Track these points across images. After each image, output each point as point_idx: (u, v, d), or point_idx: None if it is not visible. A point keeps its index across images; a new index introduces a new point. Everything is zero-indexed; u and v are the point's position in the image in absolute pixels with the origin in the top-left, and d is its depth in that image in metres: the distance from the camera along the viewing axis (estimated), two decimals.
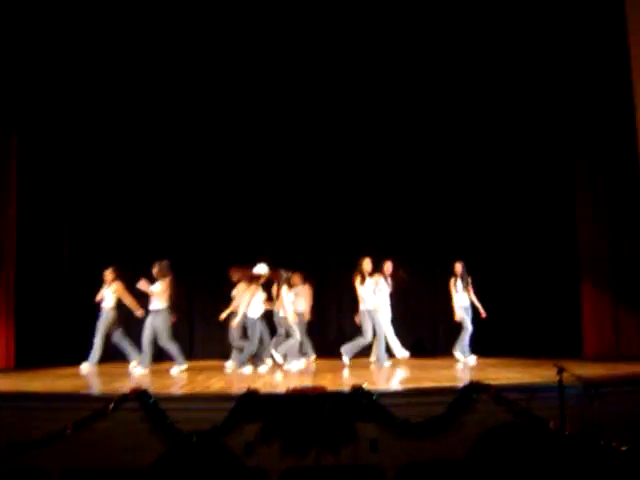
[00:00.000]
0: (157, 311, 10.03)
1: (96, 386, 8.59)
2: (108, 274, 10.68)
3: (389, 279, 11.12)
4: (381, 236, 12.63)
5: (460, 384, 7.07)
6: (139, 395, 6.78)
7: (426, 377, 8.69)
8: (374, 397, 6.73)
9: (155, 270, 10.16)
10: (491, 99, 12.32)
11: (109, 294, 10.63)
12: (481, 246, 11.90)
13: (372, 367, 10.38)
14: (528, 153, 12.14)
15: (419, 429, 6.59)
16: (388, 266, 11.17)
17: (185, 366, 10.05)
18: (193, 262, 12.34)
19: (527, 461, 3.79)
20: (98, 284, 10.76)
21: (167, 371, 10.09)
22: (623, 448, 6.21)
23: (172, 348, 10.09)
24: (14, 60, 11.14)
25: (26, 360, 11.12)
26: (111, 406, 6.73)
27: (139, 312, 10.52)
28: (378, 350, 10.67)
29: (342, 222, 12.98)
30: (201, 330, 12.72)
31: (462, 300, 10.94)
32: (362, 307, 10.54)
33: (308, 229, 12.93)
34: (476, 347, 11.09)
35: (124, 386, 7.77)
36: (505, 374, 8.79)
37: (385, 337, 10.82)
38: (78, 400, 7.17)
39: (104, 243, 12.39)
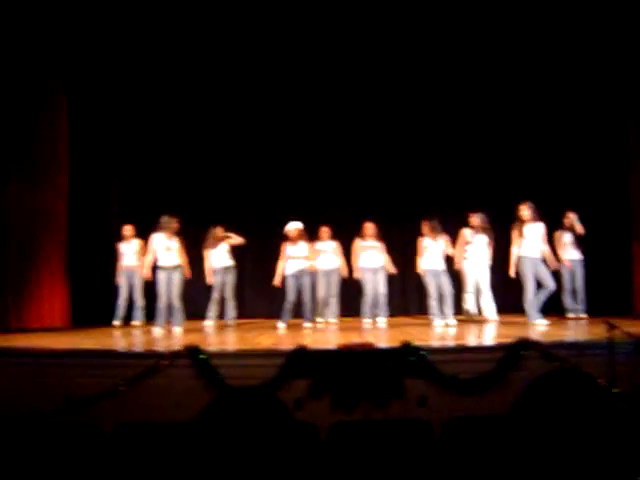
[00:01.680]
0: (179, 266, 10.30)
1: (149, 343, 8.73)
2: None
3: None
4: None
5: (509, 340, 7.06)
6: (191, 352, 6.88)
7: (476, 334, 8.70)
8: (423, 353, 6.77)
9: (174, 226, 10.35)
10: (541, 48, 11.99)
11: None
12: (533, 197, 11.60)
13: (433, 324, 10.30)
14: (579, 102, 11.92)
15: (467, 385, 6.60)
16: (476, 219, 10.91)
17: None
18: (242, 222, 12.40)
19: (573, 415, 3.79)
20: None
21: (221, 328, 10.47)
22: None
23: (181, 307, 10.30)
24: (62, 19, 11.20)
25: (81, 319, 11.39)
26: (164, 363, 6.86)
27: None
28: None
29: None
30: (251, 289, 12.86)
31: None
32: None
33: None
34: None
35: (177, 343, 7.90)
36: (555, 331, 8.74)
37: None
38: (131, 357, 7.32)
39: (153, 198, 12.51)
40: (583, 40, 11.53)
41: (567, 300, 10.74)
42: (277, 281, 10.70)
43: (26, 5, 10.67)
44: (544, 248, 10.08)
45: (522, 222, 10.06)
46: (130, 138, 12.81)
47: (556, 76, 12.04)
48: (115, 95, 12.48)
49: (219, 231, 11.07)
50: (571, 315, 10.63)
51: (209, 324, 10.94)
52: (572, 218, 10.84)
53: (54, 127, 11.30)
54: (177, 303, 10.19)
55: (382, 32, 12.09)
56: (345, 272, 11.19)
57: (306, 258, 10.55)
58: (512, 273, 10.14)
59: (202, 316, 11.30)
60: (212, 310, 11.10)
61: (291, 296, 10.51)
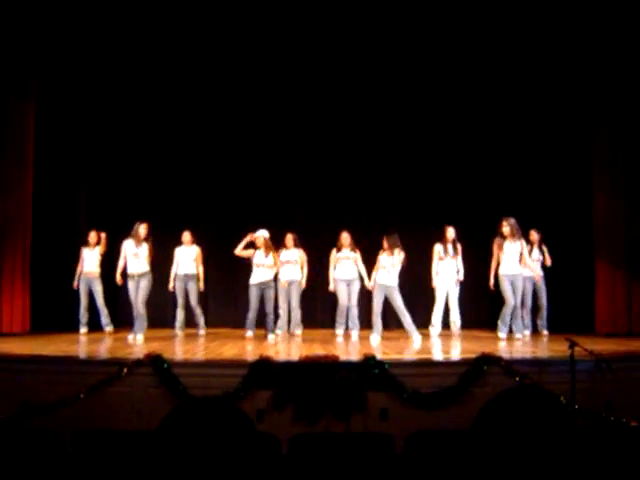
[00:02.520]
0: (147, 273, 10.19)
1: (111, 351, 8.65)
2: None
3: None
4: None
5: (472, 356, 7.10)
6: (153, 360, 6.85)
7: (438, 348, 8.74)
8: (386, 367, 6.78)
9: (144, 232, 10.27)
10: (509, 66, 12.08)
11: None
12: (495, 215, 11.65)
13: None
14: (546, 121, 12.00)
15: (429, 399, 6.64)
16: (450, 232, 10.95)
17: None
18: (207, 229, 12.33)
19: (534, 430, 3.81)
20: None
21: (179, 336, 10.45)
22: (633, 424, 6.23)
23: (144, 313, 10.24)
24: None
25: (42, 325, 11.22)
26: (125, 370, 6.81)
27: None
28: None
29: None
30: (215, 297, 12.77)
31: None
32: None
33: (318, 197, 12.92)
34: (489, 320, 11.05)
35: (139, 351, 7.84)
36: (518, 347, 8.81)
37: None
38: (93, 364, 7.25)
39: (120, 209, 12.40)
40: (552, 65, 11.66)
41: (525, 317, 10.78)
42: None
43: None
44: (521, 267, 10.20)
45: (503, 237, 10.15)
46: (98, 144, 12.64)
47: (526, 98, 12.12)
48: (83, 98, 12.32)
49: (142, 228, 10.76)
50: (521, 333, 10.55)
51: (177, 332, 10.84)
52: (536, 238, 10.94)
53: (20, 132, 11.14)
54: (141, 310, 10.09)
55: (353, 52, 12.22)
56: (303, 284, 11.07)
57: (272, 267, 10.42)
58: (492, 286, 10.24)
59: (167, 323, 11.25)
60: (179, 317, 11.01)
61: (254, 305, 10.34)
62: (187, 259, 11.08)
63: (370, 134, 12.75)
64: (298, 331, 10.99)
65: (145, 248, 10.18)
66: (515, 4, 11.33)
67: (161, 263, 11.09)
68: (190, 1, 11.48)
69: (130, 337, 9.86)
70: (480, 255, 11.02)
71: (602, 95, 10.89)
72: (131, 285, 10.17)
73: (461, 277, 10.97)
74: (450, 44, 12.08)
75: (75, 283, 11.14)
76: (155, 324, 11.13)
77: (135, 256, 10.15)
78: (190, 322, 11.17)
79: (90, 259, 11.08)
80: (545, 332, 10.81)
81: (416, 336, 9.74)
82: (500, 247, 10.12)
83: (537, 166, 12.17)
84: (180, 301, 11.07)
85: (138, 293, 10.10)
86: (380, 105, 12.67)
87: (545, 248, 11.02)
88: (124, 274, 10.36)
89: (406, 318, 9.88)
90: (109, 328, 11.02)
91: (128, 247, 10.24)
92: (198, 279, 11.09)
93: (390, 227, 10.64)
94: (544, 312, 10.95)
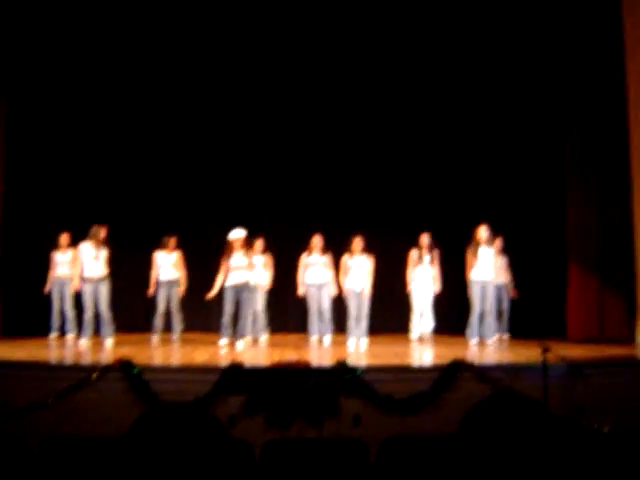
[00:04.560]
0: (106, 277, 10.13)
1: (81, 356, 8.56)
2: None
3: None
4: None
5: (445, 362, 7.09)
6: (123, 366, 6.78)
7: (413, 354, 8.74)
8: (358, 372, 6.76)
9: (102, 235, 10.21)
10: (478, 73, 12.12)
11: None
12: (468, 224, 11.70)
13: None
14: (517, 132, 12.04)
15: (402, 405, 6.63)
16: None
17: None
18: (181, 231, 12.17)
19: (511, 438, 3.79)
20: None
21: (161, 342, 10.31)
22: (605, 430, 6.25)
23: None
24: None
25: (13, 330, 11.07)
26: (95, 376, 6.73)
27: None
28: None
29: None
30: (187, 302, 12.63)
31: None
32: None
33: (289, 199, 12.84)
34: (462, 326, 11.08)
35: (109, 357, 7.76)
36: (490, 353, 8.83)
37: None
38: (62, 370, 7.17)
39: (91, 213, 12.24)
40: (525, 75, 11.71)
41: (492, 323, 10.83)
42: (213, 293, 10.32)
43: None
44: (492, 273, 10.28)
45: (477, 244, 10.17)
46: (72, 147, 12.47)
47: (502, 107, 12.15)
48: (57, 97, 12.18)
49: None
50: (491, 339, 10.59)
51: (154, 338, 10.69)
52: (499, 244, 11.02)
53: None
54: (106, 314, 10.00)
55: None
56: (268, 287, 11.03)
57: (248, 268, 10.17)
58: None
59: (137, 328, 11.15)
60: (157, 324, 10.84)
61: (228, 308, 9.95)
62: (168, 265, 10.96)
63: (343, 139, 12.66)
64: (263, 337, 10.92)
65: (104, 251, 10.11)
66: (492, 12, 11.43)
67: (134, 268, 11.03)
68: None
69: (82, 341, 9.90)
70: (452, 261, 11.03)
71: (572, 108, 11.00)
72: (87, 289, 10.05)
73: (437, 289, 10.99)
74: (423, 52, 12.11)
75: (47, 287, 11.00)
76: (125, 329, 11.02)
77: (94, 259, 10.05)
78: (164, 326, 11.04)
79: (62, 262, 10.93)
80: (505, 336, 11.00)
81: (363, 340, 9.87)
82: (474, 254, 10.16)
83: (510, 172, 12.16)
84: (161, 308, 10.79)
85: (100, 298, 10.01)
86: (352, 111, 12.58)
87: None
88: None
89: (363, 324, 9.97)
90: (73, 334, 10.82)
91: (85, 250, 10.12)
92: (179, 284, 11.00)
93: (360, 231, 10.60)
94: (506, 316, 11.17)
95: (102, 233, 10.15)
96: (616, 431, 5.57)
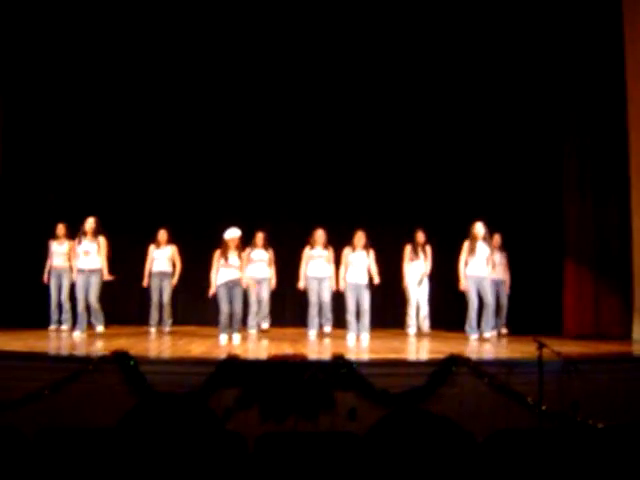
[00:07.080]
0: (98, 269, 10.20)
1: (77, 347, 8.55)
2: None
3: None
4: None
5: (440, 356, 7.10)
6: (119, 357, 6.77)
7: (410, 349, 8.74)
8: (354, 366, 6.76)
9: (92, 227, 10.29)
10: (478, 77, 12.18)
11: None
12: (467, 221, 11.72)
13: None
14: (515, 129, 12.05)
15: (397, 399, 6.62)
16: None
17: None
18: (176, 227, 12.19)
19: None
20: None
21: (148, 334, 10.28)
22: (599, 425, 6.26)
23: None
24: None
25: (10, 321, 11.06)
26: (90, 367, 6.73)
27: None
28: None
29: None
30: (184, 295, 12.63)
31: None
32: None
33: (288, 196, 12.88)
34: (459, 321, 11.07)
35: (105, 348, 7.76)
36: (486, 348, 8.84)
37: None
38: (58, 361, 7.16)
39: (89, 205, 12.24)
40: (524, 76, 11.75)
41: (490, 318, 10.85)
42: (212, 292, 10.25)
43: None
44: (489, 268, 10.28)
45: (474, 239, 10.17)
46: (69, 139, 12.47)
47: (500, 106, 12.17)
48: (52, 91, 12.16)
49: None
50: (489, 333, 10.59)
51: (151, 329, 10.72)
52: (498, 240, 11.04)
53: None
54: (95, 305, 10.08)
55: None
56: (274, 284, 11.11)
57: (239, 268, 10.22)
58: (462, 287, 10.24)
59: (132, 320, 11.14)
60: (153, 315, 10.87)
61: (224, 307, 9.82)
62: (163, 257, 11.00)
63: (342, 135, 12.71)
64: (265, 324, 11.05)
65: (97, 244, 10.16)
66: (491, 12, 11.46)
67: (129, 260, 11.04)
68: None
69: (76, 333, 9.96)
70: (449, 256, 11.03)
71: (570, 110, 11.03)
72: (80, 281, 10.14)
73: (427, 270, 11.16)
74: (423, 50, 12.20)
75: (45, 278, 11.00)
76: (120, 321, 11.06)
77: (85, 253, 10.16)
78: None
79: (59, 253, 10.93)
80: (504, 330, 11.13)
81: (364, 335, 9.87)
82: (471, 249, 10.17)
83: (508, 169, 12.18)
84: (155, 299, 10.92)
85: (90, 290, 10.07)
86: (351, 107, 12.64)
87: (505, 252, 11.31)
88: None
89: (365, 319, 9.94)
90: (67, 325, 10.82)
91: (79, 243, 10.26)
92: (172, 276, 11.02)
93: (360, 226, 10.59)
94: (504, 311, 11.23)
95: (92, 224, 10.23)
96: (610, 428, 5.59)
